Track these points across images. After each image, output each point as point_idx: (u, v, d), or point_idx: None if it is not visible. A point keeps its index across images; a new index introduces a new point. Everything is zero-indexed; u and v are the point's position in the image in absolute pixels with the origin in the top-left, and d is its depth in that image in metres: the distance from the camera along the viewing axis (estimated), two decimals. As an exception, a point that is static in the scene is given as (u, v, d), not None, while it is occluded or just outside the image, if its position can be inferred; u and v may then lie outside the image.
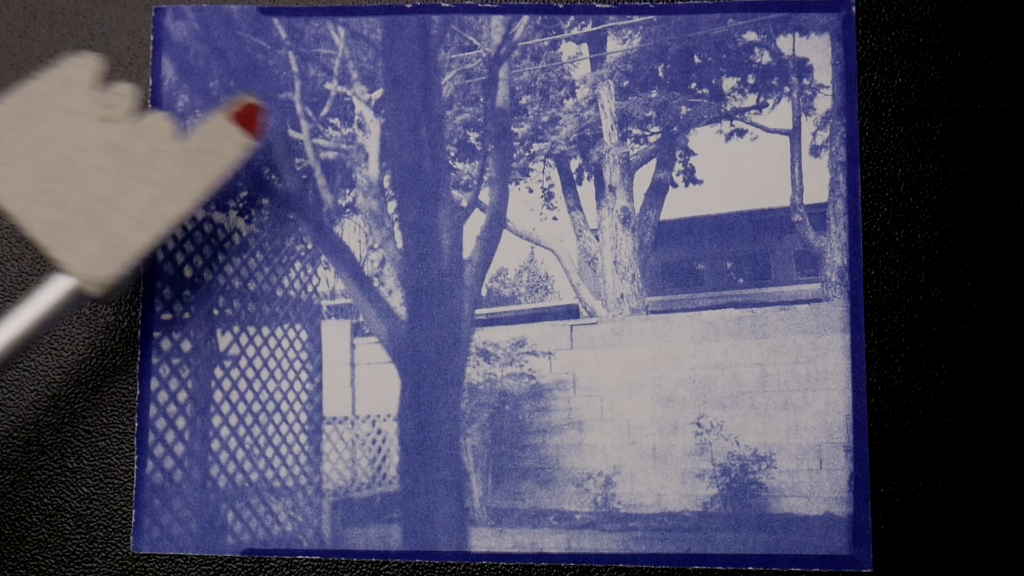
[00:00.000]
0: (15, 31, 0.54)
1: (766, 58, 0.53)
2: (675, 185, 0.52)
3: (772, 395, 0.51)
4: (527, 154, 0.53)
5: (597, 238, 0.53)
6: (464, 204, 0.53)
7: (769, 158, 0.52)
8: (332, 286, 0.53)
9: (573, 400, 0.52)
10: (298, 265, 0.53)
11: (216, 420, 0.52)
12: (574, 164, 0.53)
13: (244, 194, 0.53)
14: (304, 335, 0.53)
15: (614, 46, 0.53)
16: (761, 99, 0.53)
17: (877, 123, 0.52)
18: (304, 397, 0.52)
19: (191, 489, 0.51)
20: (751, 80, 0.53)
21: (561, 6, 0.53)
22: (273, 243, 0.53)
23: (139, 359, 0.52)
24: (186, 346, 0.52)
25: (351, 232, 0.53)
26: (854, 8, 0.53)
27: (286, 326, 0.52)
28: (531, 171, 0.53)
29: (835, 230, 0.52)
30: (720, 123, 0.53)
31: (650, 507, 0.51)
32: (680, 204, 0.52)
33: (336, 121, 0.53)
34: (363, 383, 0.52)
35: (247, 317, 0.52)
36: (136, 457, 0.52)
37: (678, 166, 0.52)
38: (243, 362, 0.52)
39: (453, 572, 0.51)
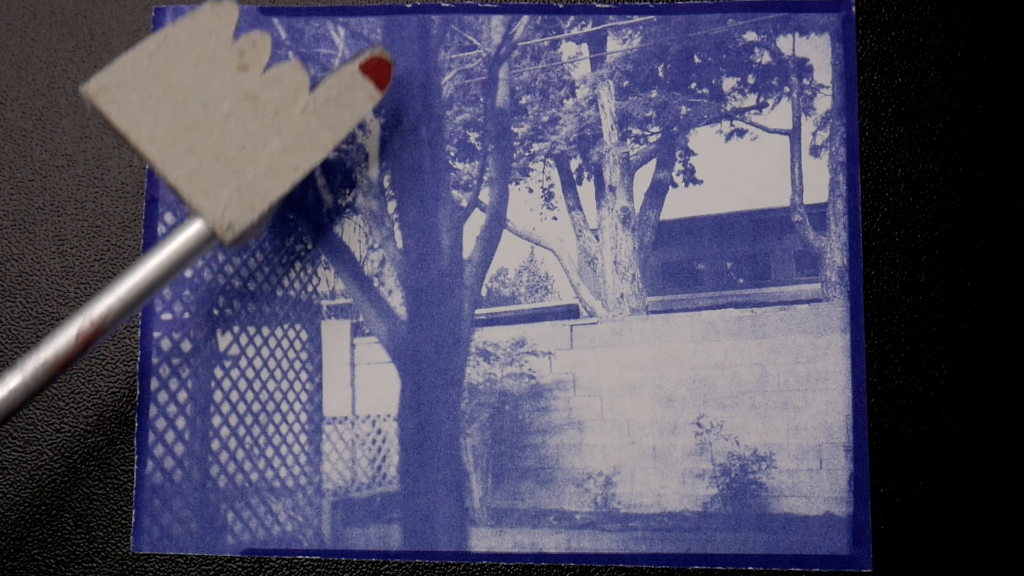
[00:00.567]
0: (15, 31, 0.54)
1: (766, 58, 0.53)
2: (675, 185, 0.52)
3: (772, 395, 0.51)
4: (527, 154, 0.53)
5: (597, 238, 0.53)
6: (464, 204, 0.53)
7: (769, 158, 0.52)
8: (332, 286, 0.53)
9: (573, 400, 0.52)
10: (298, 265, 0.53)
11: (216, 420, 0.52)
12: (574, 164, 0.53)
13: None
14: (304, 335, 0.53)
15: (614, 46, 0.53)
16: (761, 99, 0.53)
17: (877, 123, 0.52)
18: (304, 397, 0.52)
19: (191, 489, 0.51)
20: (751, 80, 0.53)
21: (561, 6, 0.53)
22: (273, 243, 0.53)
23: (139, 359, 0.52)
24: (186, 346, 0.52)
25: (351, 232, 0.53)
26: (854, 8, 0.53)
27: (286, 326, 0.52)
28: (531, 171, 0.53)
29: (835, 230, 0.52)
30: (720, 123, 0.53)
31: (650, 507, 0.51)
32: (680, 204, 0.52)
33: (336, 121, 0.53)
34: (363, 383, 0.52)
35: (247, 317, 0.52)
36: (136, 457, 0.52)
37: (678, 166, 0.52)
38: (243, 362, 0.52)
39: (453, 572, 0.51)
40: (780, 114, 0.52)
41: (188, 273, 0.52)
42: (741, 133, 0.52)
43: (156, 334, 0.52)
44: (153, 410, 0.52)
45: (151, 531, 0.51)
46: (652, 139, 0.53)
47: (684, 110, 0.53)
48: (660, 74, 0.53)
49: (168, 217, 0.53)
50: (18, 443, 0.52)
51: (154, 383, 0.52)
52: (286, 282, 0.53)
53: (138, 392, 0.52)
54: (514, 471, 0.51)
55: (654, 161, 0.53)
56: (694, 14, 0.53)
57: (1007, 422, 0.50)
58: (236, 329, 0.52)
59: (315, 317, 0.53)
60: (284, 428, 0.52)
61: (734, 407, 0.51)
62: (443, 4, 0.54)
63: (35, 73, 0.54)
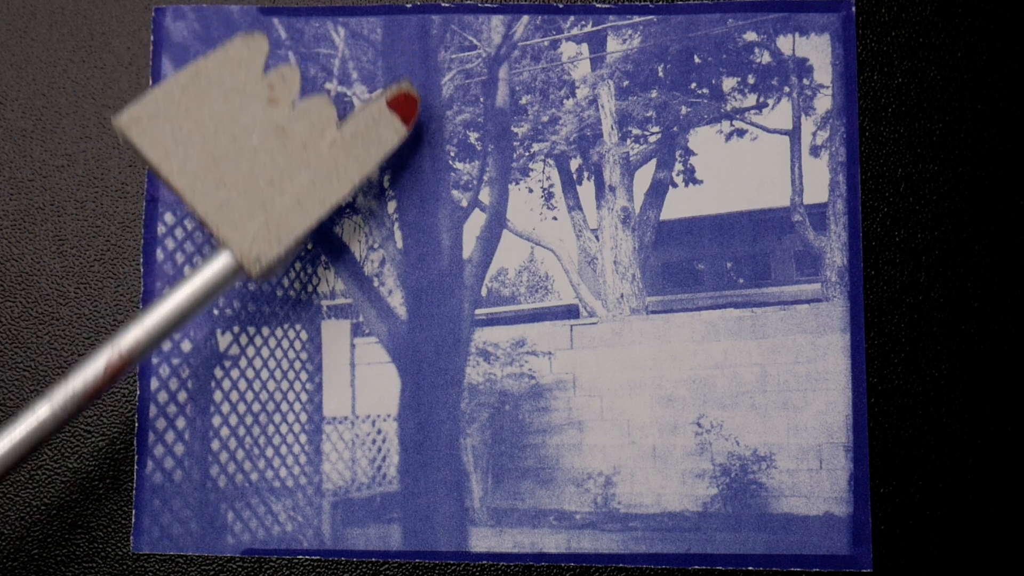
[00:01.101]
0: (15, 31, 0.54)
1: (766, 58, 0.53)
2: (675, 185, 0.52)
3: (772, 395, 0.51)
4: (527, 154, 0.53)
5: (597, 238, 0.53)
6: (464, 204, 0.53)
7: (769, 158, 0.52)
8: (332, 286, 0.53)
9: (573, 400, 0.52)
10: (298, 265, 0.53)
11: (216, 420, 0.52)
12: (574, 164, 0.53)
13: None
14: (304, 335, 0.53)
15: (614, 46, 0.53)
16: (761, 99, 0.53)
17: (877, 123, 0.52)
18: (304, 397, 0.52)
19: (191, 489, 0.51)
20: (751, 80, 0.53)
21: (561, 6, 0.53)
22: (273, 243, 0.53)
23: (139, 359, 0.52)
24: (186, 346, 0.52)
25: (351, 232, 0.53)
26: (854, 8, 0.53)
27: (286, 326, 0.52)
28: (531, 171, 0.53)
29: (835, 230, 0.52)
30: (720, 123, 0.53)
31: (650, 507, 0.51)
32: (680, 204, 0.52)
33: (336, 121, 0.53)
34: (363, 383, 0.52)
35: (247, 317, 0.52)
36: (136, 457, 0.52)
37: (678, 166, 0.52)
38: (243, 362, 0.52)
39: (453, 572, 0.51)
40: (780, 114, 0.52)
41: (188, 272, 0.52)
42: (741, 133, 0.52)
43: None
44: (153, 410, 0.52)
45: (151, 531, 0.51)
46: (652, 139, 0.53)
47: (684, 110, 0.53)
48: (660, 74, 0.53)
49: (168, 217, 0.53)
50: (18, 443, 0.52)
51: (154, 383, 0.52)
52: (286, 282, 0.53)
53: (138, 392, 0.52)
54: (514, 471, 0.51)
55: (654, 161, 0.53)
56: (694, 14, 0.53)
57: (1007, 422, 0.50)
58: (236, 329, 0.52)
59: (315, 317, 0.53)
60: (284, 428, 0.52)
61: (734, 407, 0.51)
62: (443, 4, 0.54)
63: (35, 73, 0.54)
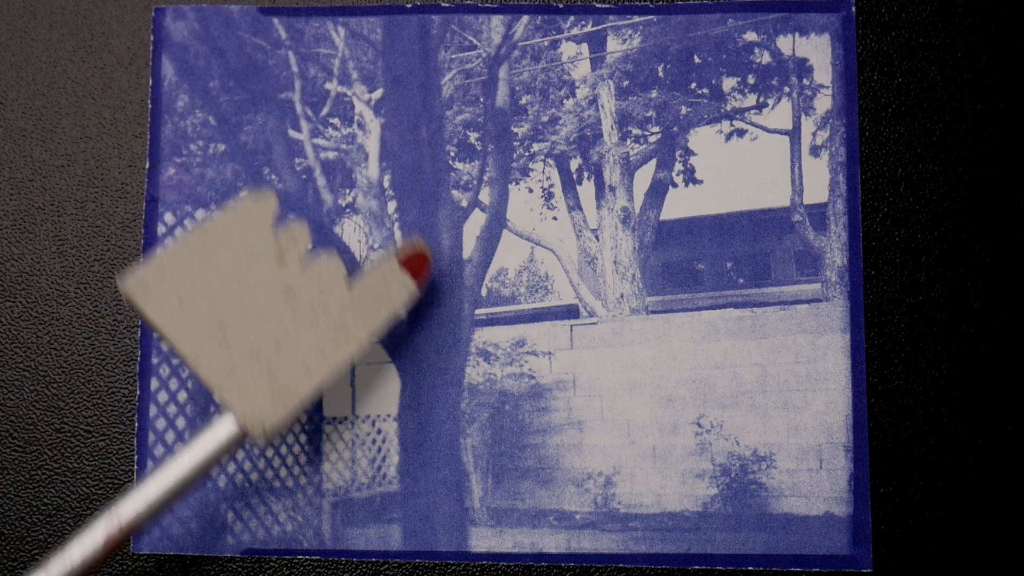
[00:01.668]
0: (15, 31, 0.54)
1: (766, 58, 0.53)
2: (675, 185, 0.52)
3: (772, 395, 0.51)
4: (527, 154, 0.53)
5: (597, 238, 0.53)
6: (464, 204, 0.53)
7: (769, 158, 0.52)
8: (332, 286, 0.53)
9: (573, 400, 0.52)
10: (298, 265, 0.53)
11: (216, 420, 0.52)
12: (574, 164, 0.53)
13: (244, 194, 0.53)
14: (304, 335, 0.52)
15: (614, 46, 0.53)
16: (761, 99, 0.53)
17: (877, 123, 0.52)
18: (304, 397, 0.52)
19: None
20: (751, 80, 0.53)
21: (561, 6, 0.53)
22: (273, 243, 0.53)
23: (139, 359, 0.52)
24: (186, 346, 0.52)
25: (351, 232, 0.53)
26: (854, 8, 0.53)
27: (286, 326, 0.52)
28: (531, 171, 0.53)
29: (835, 230, 0.52)
30: (720, 123, 0.53)
31: (650, 507, 0.51)
32: (680, 204, 0.52)
33: (336, 121, 0.53)
34: (363, 383, 0.52)
35: (247, 317, 0.52)
36: (136, 457, 0.52)
37: (678, 166, 0.52)
38: (243, 362, 0.52)
39: (453, 572, 0.51)
40: (780, 114, 0.52)
41: (188, 273, 0.52)
42: (741, 133, 0.52)
43: (156, 334, 0.52)
44: (153, 410, 0.52)
45: (151, 531, 0.51)
46: (652, 139, 0.53)
47: (684, 110, 0.53)
48: (660, 74, 0.53)
49: (168, 217, 0.53)
50: (18, 443, 0.52)
51: (154, 383, 0.52)
52: (286, 282, 0.53)
53: (138, 392, 0.52)
54: (514, 471, 0.51)
55: (654, 161, 0.53)
56: (694, 14, 0.53)
57: (1007, 422, 0.50)
58: (236, 329, 0.52)
59: (315, 317, 0.53)
60: (284, 428, 0.52)
61: (734, 407, 0.51)
62: (443, 4, 0.54)
63: (35, 73, 0.54)
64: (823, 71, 0.52)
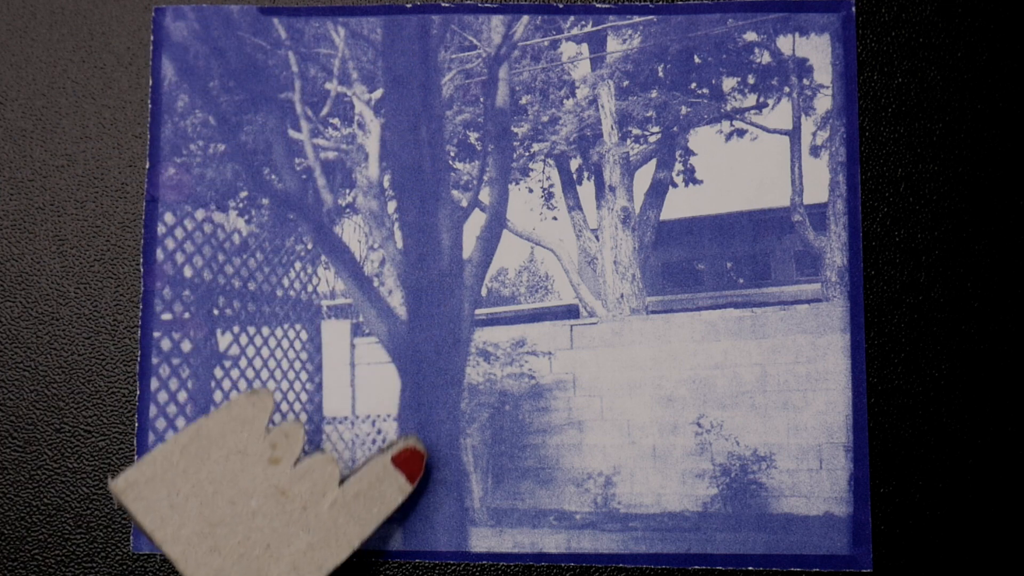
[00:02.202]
0: (15, 31, 0.54)
1: (766, 58, 0.53)
2: (675, 185, 0.52)
3: (772, 395, 0.51)
4: (527, 154, 0.53)
5: (597, 238, 0.53)
6: (464, 204, 0.53)
7: (769, 158, 0.52)
8: (332, 286, 0.53)
9: (573, 400, 0.52)
10: (298, 265, 0.53)
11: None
12: (574, 164, 0.53)
13: (244, 194, 0.53)
14: (304, 335, 0.53)
15: (614, 46, 0.53)
16: (761, 99, 0.53)
17: (877, 123, 0.52)
18: (304, 397, 0.52)
19: (191, 489, 0.51)
20: (751, 80, 0.53)
21: (561, 6, 0.53)
22: (273, 243, 0.53)
23: (139, 359, 0.52)
24: (186, 346, 0.52)
25: (351, 232, 0.53)
26: (854, 8, 0.53)
27: (286, 326, 0.52)
28: (531, 171, 0.53)
29: (835, 230, 0.52)
30: (720, 123, 0.53)
31: (650, 507, 0.51)
32: (680, 204, 0.52)
33: (336, 121, 0.53)
34: (363, 383, 0.52)
35: (247, 317, 0.52)
36: (136, 457, 0.52)
37: (678, 166, 0.52)
38: (243, 362, 0.52)
39: (453, 572, 0.51)
40: (780, 114, 0.52)
41: (188, 273, 0.53)
42: (741, 133, 0.52)
43: (156, 334, 0.52)
44: (153, 410, 0.52)
45: (151, 531, 0.51)
46: (652, 139, 0.53)
47: (684, 110, 0.53)
48: (660, 74, 0.53)
49: (168, 217, 0.53)
50: (18, 443, 0.52)
51: (154, 383, 0.52)
52: (286, 282, 0.53)
53: (138, 392, 0.52)
54: (514, 471, 0.51)
55: (654, 161, 0.53)
56: (694, 14, 0.53)
57: (1007, 422, 0.50)
58: (236, 329, 0.52)
59: (315, 317, 0.53)
60: (284, 428, 0.52)
61: (734, 407, 0.51)
62: (443, 4, 0.54)
63: (35, 73, 0.54)
64: (823, 71, 0.52)
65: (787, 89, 0.53)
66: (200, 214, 0.53)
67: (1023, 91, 0.52)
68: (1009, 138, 0.52)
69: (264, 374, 0.52)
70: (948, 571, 0.50)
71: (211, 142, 0.53)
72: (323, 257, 0.53)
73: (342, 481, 0.48)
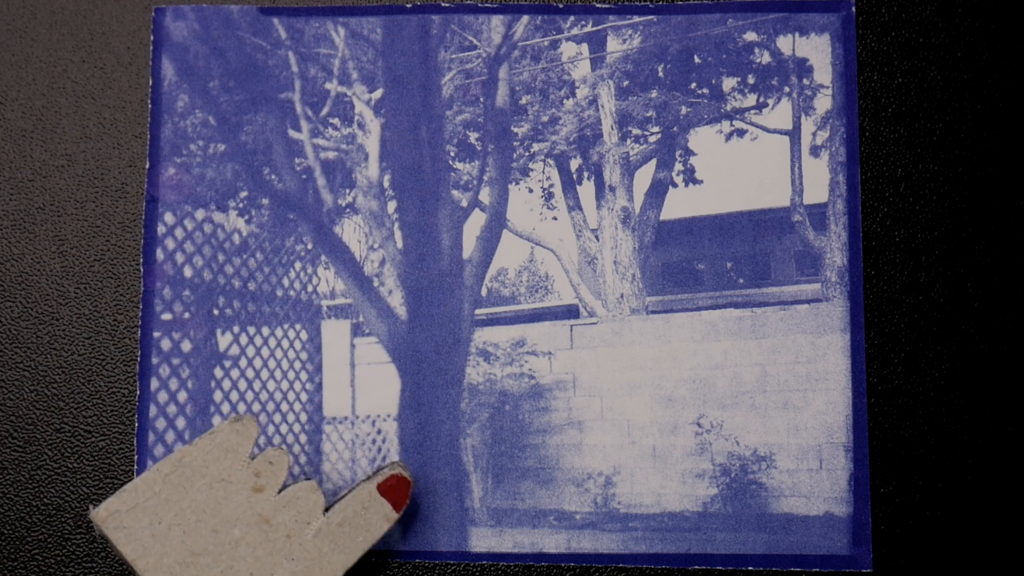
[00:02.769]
0: (15, 31, 0.54)
1: (766, 58, 0.53)
2: (675, 185, 0.52)
3: (772, 395, 0.51)
4: (527, 154, 0.53)
5: (597, 238, 0.53)
6: (464, 204, 0.53)
7: (769, 158, 0.52)
8: (332, 286, 0.53)
9: (573, 400, 0.52)
10: (298, 265, 0.53)
11: (216, 420, 0.52)
12: (574, 164, 0.53)
13: (244, 194, 0.53)
14: (304, 335, 0.53)
15: (614, 46, 0.53)
16: (761, 99, 0.53)
17: (877, 123, 0.52)
18: (304, 397, 0.52)
19: (191, 489, 0.51)
20: (751, 80, 0.53)
21: (561, 6, 0.53)
22: (273, 243, 0.53)
23: (139, 359, 0.52)
24: (186, 346, 0.52)
25: (351, 232, 0.53)
26: (854, 8, 0.53)
27: (286, 326, 0.52)
28: (531, 171, 0.53)
29: (835, 230, 0.52)
30: (720, 123, 0.53)
31: (650, 507, 0.51)
32: (680, 204, 0.52)
33: (336, 121, 0.53)
34: (363, 383, 0.52)
35: (247, 317, 0.52)
36: (136, 457, 0.52)
37: (678, 166, 0.52)
38: (243, 362, 0.52)
39: (453, 572, 0.51)
40: (780, 114, 0.52)
41: (188, 273, 0.53)
42: (741, 133, 0.52)
43: (156, 334, 0.52)
44: (153, 410, 0.52)
45: (151, 531, 0.51)
46: (652, 139, 0.53)
47: (684, 110, 0.53)
48: (660, 74, 0.53)
49: (168, 217, 0.53)
50: (18, 443, 0.52)
51: (154, 383, 0.52)
52: (286, 282, 0.53)
53: (138, 392, 0.52)
54: (514, 471, 0.51)
55: (654, 161, 0.53)
56: (694, 14, 0.53)
57: (1007, 422, 0.50)
58: (236, 329, 0.52)
59: (315, 317, 0.53)
60: (284, 428, 0.52)
61: (734, 407, 0.51)
62: (443, 4, 0.54)
63: (35, 73, 0.54)
64: (823, 71, 0.52)
65: (787, 89, 0.53)
66: (200, 214, 0.53)
67: (1023, 91, 0.52)
68: (1009, 138, 0.52)
69: (264, 374, 0.52)
70: (948, 571, 0.50)
71: (211, 142, 0.53)
72: (323, 257, 0.53)
73: (327, 509, 0.47)
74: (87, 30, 0.54)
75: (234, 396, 0.52)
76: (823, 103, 0.52)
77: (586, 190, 0.53)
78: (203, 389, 0.52)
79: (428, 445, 0.51)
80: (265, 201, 0.53)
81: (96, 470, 0.52)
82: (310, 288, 0.53)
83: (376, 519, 0.48)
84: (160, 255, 0.53)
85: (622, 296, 0.52)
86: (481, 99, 0.53)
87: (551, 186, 0.53)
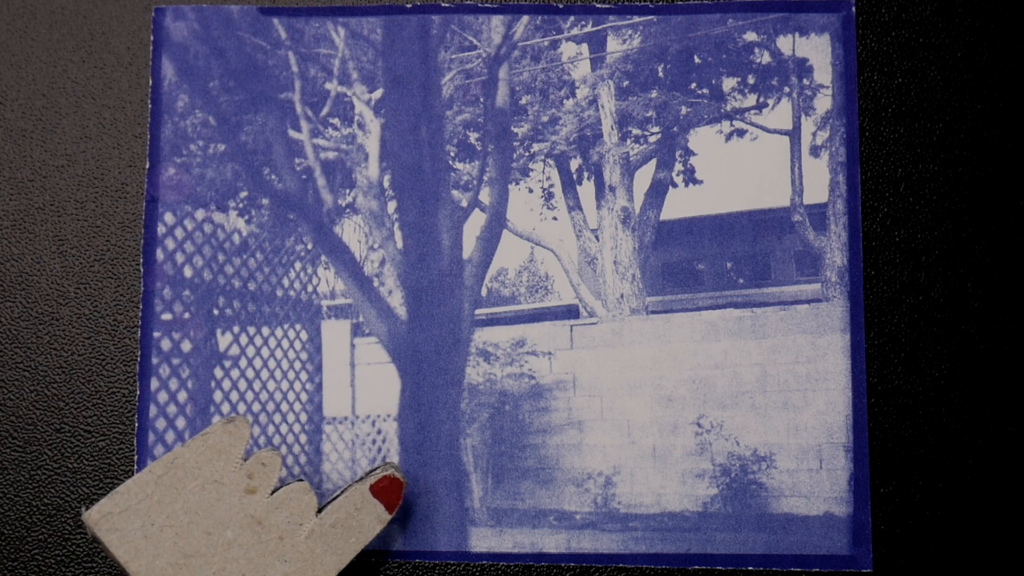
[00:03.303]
0: (15, 31, 0.54)
1: (766, 58, 0.53)
2: (675, 185, 0.52)
3: (772, 395, 0.51)
4: (527, 154, 0.53)
5: (597, 238, 0.53)
6: (464, 204, 0.53)
7: (769, 158, 0.52)
8: (332, 286, 0.53)
9: (573, 400, 0.52)
10: (298, 265, 0.53)
11: (216, 420, 0.52)
12: (574, 164, 0.53)
13: (244, 194, 0.53)
14: (304, 335, 0.53)
15: (614, 46, 0.53)
16: (761, 99, 0.53)
17: (877, 123, 0.52)
18: (304, 397, 0.52)
19: (191, 489, 0.51)
20: (751, 80, 0.53)
21: (561, 6, 0.53)
22: (273, 243, 0.53)
23: (139, 359, 0.52)
24: (186, 346, 0.52)
25: (351, 232, 0.53)
26: (854, 8, 0.53)
27: (286, 326, 0.52)
28: (531, 171, 0.53)
29: (835, 230, 0.52)
30: (720, 123, 0.53)
31: (650, 507, 0.51)
32: (680, 204, 0.52)
33: (336, 121, 0.53)
34: (363, 383, 0.52)
35: (247, 317, 0.52)
36: (136, 457, 0.52)
37: (678, 166, 0.52)
38: (243, 362, 0.52)
39: (453, 572, 0.51)
40: (780, 114, 0.52)
41: (188, 273, 0.53)
42: (741, 133, 0.53)
43: (156, 334, 0.52)
44: (153, 410, 0.52)
45: (151, 531, 0.51)
46: (652, 139, 0.53)
47: (684, 110, 0.53)
48: (660, 74, 0.53)
49: (168, 217, 0.53)
50: (18, 443, 0.52)
51: (154, 383, 0.52)
52: (286, 282, 0.53)
53: (138, 392, 0.52)
54: (514, 471, 0.51)
55: (654, 161, 0.53)
56: (694, 14, 0.53)
57: (1007, 422, 0.50)
58: (236, 329, 0.52)
59: (315, 317, 0.53)
60: (284, 428, 0.52)
61: (734, 407, 0.51)
62: (443, 4, 0.54)
63: (35, 73, 0.54)
64: (823, 71, 0.52)
65: (787, 89, 0.53)
66: (200, 214, 0.53)
67: (1023, 91, 0.52)
68: (1009, 138, 0.52)
69: (264, 374, 0.52)
70: (948, 571, 0.50)
71: (211, 142, 0.53)
72: (323, 257, 0.53)
73: (319, 510, 0.47)
74: (87, 30, 0.54)
75: (234, 396, 0.52)
76: (823, 103, 0.52)
77: (586, 190, 0.53)
78: (203, 389, 0.52)
79: (428, 445, 0.51)
80: (265, 201, 0.53)
81: (96, 470, 0.52)
82: (310, 288, 0.53)
83: (369, 520, 0.48)
84: (160, 255, 0.53)
85: (622, 296, 0.52)
86: (481, 99, 0.53)
87: (551, 186, 0.53)
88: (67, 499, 0.52)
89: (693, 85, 0.53)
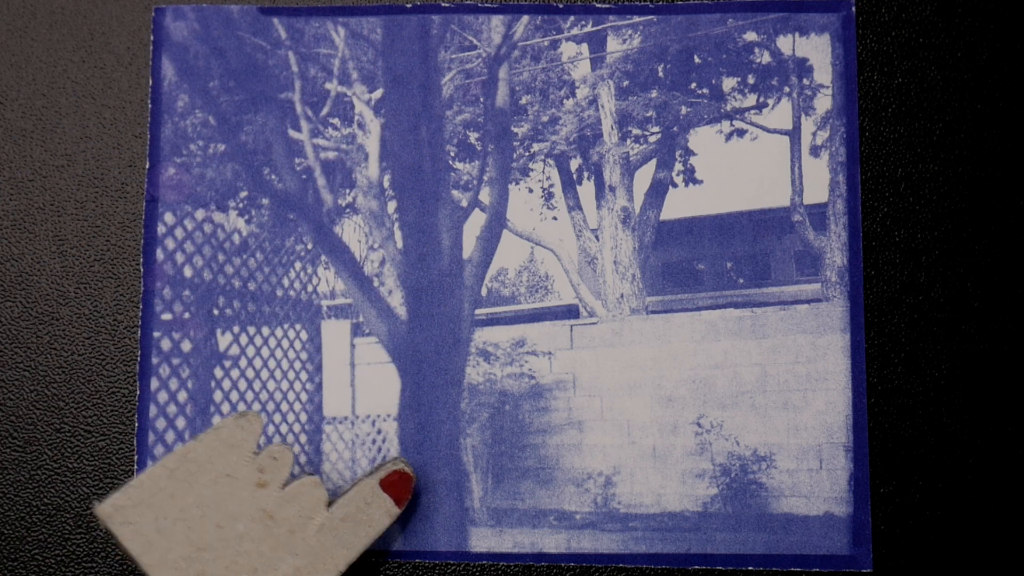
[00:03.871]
0: (15, 31, 0.54)
1: (766, 58, 0.53)
2: (675, 185, 0.52)
3: (772, 395, 0.51)
4: (527, 154, 0.53)
5: (597, 238, 0.53)
6: (464, 204, 0.53)
7: (769, 158, 0.52)
8: (332, 286, 0.53)
9: (573, 400, 0.52)
10: (298, 265, 0.53)
11: (216, 420, 0.52)
12: (574, 164, 0.53)
13: (244, 194, 0.53)
14: (304, 335, 0.53)
15: (614, 46, 0.53)
16: (761, 99, 0.53)
17: (877, 123, 0.52)
18: (304, 397, 0.52)
19: (191, 489, 0.51)
20: (751, 80, 0.53)
21: (561, 6, 0.53)
22: (273, 243, 0.53)
23: (139, 359, 0.52)
24: (186, 346, 0.52)
25: (351, 232, 0.53)
26: (854, 8, 0.53)
27: (286, 326, 0.52)
28: (531, 171, 0.53)
29: (835, 230, 0.52)
30: (720, 123, 0.53)
31: (650, 507, 0.51)
32: (680, 204, 0.52)
33: (336, 121, 0.53)
34: (363, 383, 0.52)
35: (247, 317, 0.52)
36: (136, 457, 0.52)
37: (678, 166, 0.53)
38: (243, 362, 0.52)
39: (453, 572, 0.51)
40: (780, 114, 0.52)
41: (188, 273, 0.53)
42: (741, 133, 0.53)
43: (156, 334, 0.52)
44: (153, 410, 0.52)
45: (151, 531, 0.51)
46: (652, 139, 0.53)
47: (684, 110, 0.53)
48: (660, 74, 0.53)
49: (168, 217, 0.53)
50: (18, 443, 0.52)
51: (154, 383, 0.52)
52: (286, 282, 0.53)
53: (138, 392, 0.52)
54: (514, 471, 0.51)
55: (654, 161, 0.53)
56: (694, 14, 0.53)
57: (1007, 422, 0.50)
58: (236, 329, 0.52)
59: (315, 317, 0.53)
60: (284, 428, 0.52)
61: (734, 407, 0.51)
62: (443, 4, 0.54)
63: (35, 73, 0.54)
64: (823, 71, 0.52)
65: (787, 89, 0.53)
66: (200, 214, 0.53)
67: (1023, 91, 0.52)
68: (1009, 138, 0.52)
69: (264, 374, 0.52)
70: (948, 571, 0.50)
71: (211, 142, 0.53)
72: (323, 257, 0.53)
73: (330, 504, 0.48)
74: (87, 30, 0.54)
75: (234, 396, 0.52)
76: (823, 103, 0.52)
77: (586, 190, 0.53)
78: (203, 389, 0.52)
79: (428, 445, 0.51)
80: (265, 201, 0.53)
81: (96, 470, 0.52)
82: (310, 288, 0.53)
83: (378, 514, 0.48)
84: (160, 255, 0.53)
85: (622, 296, 0.52)
86: (481, 99, 0.53)
87: (551, 186, 0.53)
88: (67, 499, 0.52)
89: (693, 85, 0.53)
